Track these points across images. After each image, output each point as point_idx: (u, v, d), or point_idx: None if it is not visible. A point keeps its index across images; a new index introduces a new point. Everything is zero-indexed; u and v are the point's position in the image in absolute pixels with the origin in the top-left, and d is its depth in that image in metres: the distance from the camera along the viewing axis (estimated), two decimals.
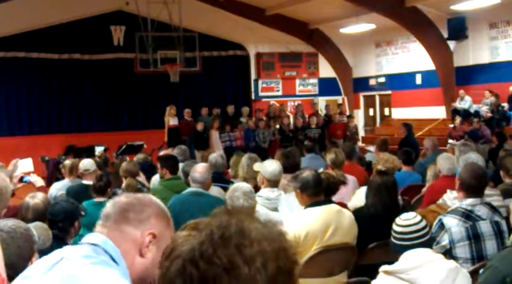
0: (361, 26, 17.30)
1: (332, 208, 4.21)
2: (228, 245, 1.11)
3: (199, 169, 5.20)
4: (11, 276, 2.16)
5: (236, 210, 1.23)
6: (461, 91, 15.73)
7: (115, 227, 1.76)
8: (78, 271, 1.56)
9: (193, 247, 1.12)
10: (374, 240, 4.22)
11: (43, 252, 2.86)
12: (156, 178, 6.92)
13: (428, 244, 3.16)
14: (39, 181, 5.71)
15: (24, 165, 6.57)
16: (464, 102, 15.53)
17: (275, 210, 4.68)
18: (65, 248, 1.69)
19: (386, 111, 19.55)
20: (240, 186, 4.48)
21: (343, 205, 4.88)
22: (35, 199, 4.28)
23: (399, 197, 4.91)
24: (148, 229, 1.77)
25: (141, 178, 7.13)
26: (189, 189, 5.15)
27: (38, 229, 3.10)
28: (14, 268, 2.32)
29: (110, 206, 1.82)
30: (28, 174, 5.99)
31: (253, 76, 19.35)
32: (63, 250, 1.67)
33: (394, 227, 3.17)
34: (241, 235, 1.12)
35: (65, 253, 1.64)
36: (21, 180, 5.65)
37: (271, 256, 1.10)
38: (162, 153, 8.74)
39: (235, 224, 1.15)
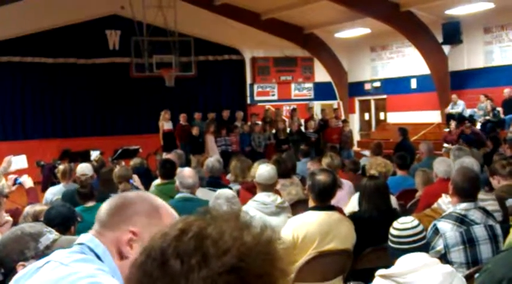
0: (356, 31, 17.35)
1: (333, 215, 4.20)
2: (164, 240, 1.08)
3: (189, 174, 5.09)
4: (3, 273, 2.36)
5: (214, 213, 1.15)
6: (454, 96, 15.79)
7: (99, 231, 1.73)
8: (58, 271, 1.57)
9: (148, 242, 1.13)
10: (370, 245, 4.22)
11: None
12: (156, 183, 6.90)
13: (425, 248, 3.16)
14: (29, 182, 5.66)
15: (19, 162, 6.52)
16: (457, 107, 15.58)
17: (271, 214, 4.66)
18: (55, 252, 1.70)
19: (382, 116, 19.57)
20: (223, 193, 4.50)
21: (341, 210, 4.88)
22: (35, 207, 4.24)
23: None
24: (129, 227, 1.69)
25: (135, 179, 7.09)
26: (178, 195, 5.05)
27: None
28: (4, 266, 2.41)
29: (100, 208, 1.80)
30: (20, 174, 5.94)
31: (248, 80, 19.36)
32: (52, 254, 1.67)
33: (391, 231, 3.17)
34: (184, 231, 1.08)
35: (52, 256, 1.65)
36: (14, 182, 5.62)
37: (220, 255, 1.03)
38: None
39: (187, 222, 1.11)
